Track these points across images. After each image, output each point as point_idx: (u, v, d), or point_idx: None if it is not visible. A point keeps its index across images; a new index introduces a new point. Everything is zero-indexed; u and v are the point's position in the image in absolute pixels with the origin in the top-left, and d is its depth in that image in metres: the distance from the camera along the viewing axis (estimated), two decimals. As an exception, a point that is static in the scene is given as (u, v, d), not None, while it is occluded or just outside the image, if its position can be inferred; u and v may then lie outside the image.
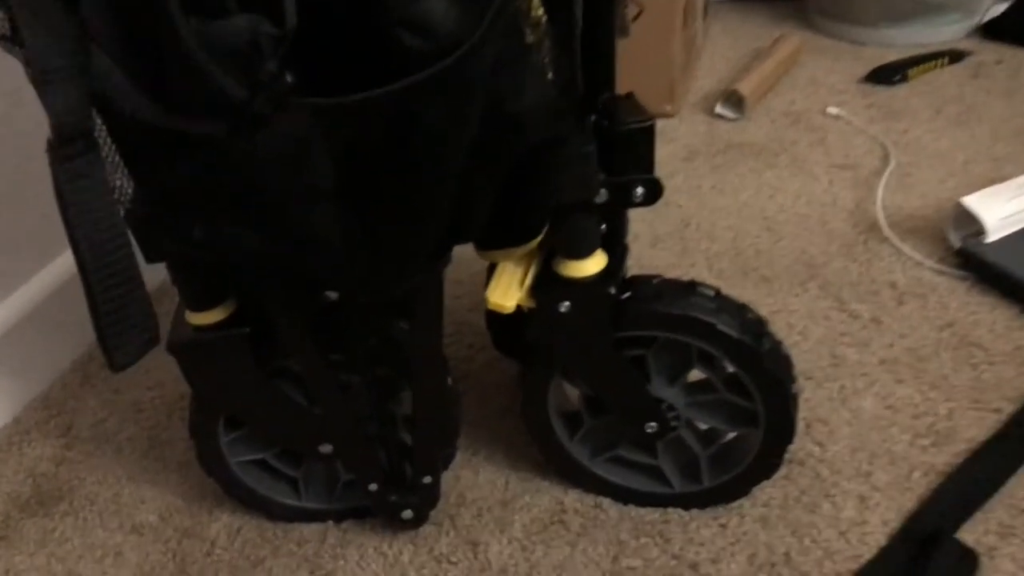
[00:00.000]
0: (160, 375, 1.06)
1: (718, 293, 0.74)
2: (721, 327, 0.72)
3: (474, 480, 0.89)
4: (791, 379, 0.76)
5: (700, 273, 1.12)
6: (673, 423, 0.78)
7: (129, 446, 0.98)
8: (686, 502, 0.84)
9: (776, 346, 0.75)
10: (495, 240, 0.69)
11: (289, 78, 0.48)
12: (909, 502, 0.82)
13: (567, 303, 0.71)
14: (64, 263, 1.10)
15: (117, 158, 0.56)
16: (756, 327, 0.74)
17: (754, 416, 0.77)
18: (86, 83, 0.48)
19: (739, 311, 0.74)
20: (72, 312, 1.10)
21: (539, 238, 0.68)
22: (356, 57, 0.50)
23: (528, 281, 0.73)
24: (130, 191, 0.63)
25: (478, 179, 0.56)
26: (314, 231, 0.57)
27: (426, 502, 0.82)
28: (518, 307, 0.73)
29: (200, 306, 0.72)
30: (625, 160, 0.66)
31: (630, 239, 1.19)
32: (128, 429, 1.00)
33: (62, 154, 0.49)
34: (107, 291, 0.52)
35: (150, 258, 0.64)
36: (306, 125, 0.50)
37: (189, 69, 0.48)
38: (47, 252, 1.09)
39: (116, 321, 0.53)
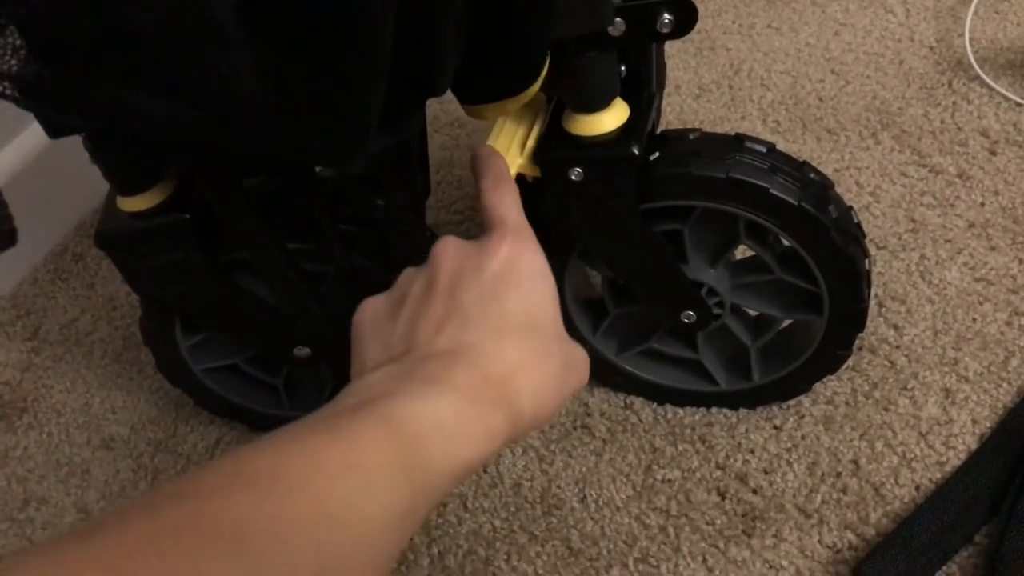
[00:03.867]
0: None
1: (772, 149, 0.59)
2: (775, 192, 0.57)
3: (485, 379, 0.77)
4: (863, 254, 0.61)
5: (753, 127, 0.95)
6: (716, 311, 0.64)
7: (101, 348, 0.88)
8: (734, 401, 0.71)
9: (845, 214, 0.60)
10: (480, 91, 0.54)
11: None
12: (1005, 396, 0.68)
13: (578, 168, 0.57)
14: (31, 139, 0.98)
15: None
16: (819, 191, 0.59)
17: (816, 300, 0.62)
18: None
19: (798, 171, 0.59)
20: (45, 197, 0.99)
21: (535, 86, 0.53)
22: None
23: (531, 142, 0.58)
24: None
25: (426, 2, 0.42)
26: (226, 85, 0.44)
27: (422, 409, 0.70)
28: (521, 176, 0.59)
29: (130, 189, 0.59)
30: None
31: (670, 90, 1.02)
32: (101, 329, 0.89)
33: None
34: None
35: (53, 132, 0.52)
36: None
37: None
38: (9, 129, 0.97)
39: None
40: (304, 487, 0.32)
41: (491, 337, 0.43)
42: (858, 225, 0.61)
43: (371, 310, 0.47)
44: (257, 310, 0.65)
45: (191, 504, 0.30)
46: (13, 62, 0.51)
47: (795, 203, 0.57)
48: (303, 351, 0.68)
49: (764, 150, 0.59)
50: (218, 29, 0.41)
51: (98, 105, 0.47)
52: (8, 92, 0.51)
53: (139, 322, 0.69)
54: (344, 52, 0.44)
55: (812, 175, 0.59)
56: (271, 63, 0.44)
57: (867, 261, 0.61)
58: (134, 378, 0.84)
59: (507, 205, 0.49)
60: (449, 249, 0.47)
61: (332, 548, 0.32)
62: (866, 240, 0.63)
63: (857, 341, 0.72)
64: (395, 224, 0.59)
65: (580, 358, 0.48)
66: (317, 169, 0.61)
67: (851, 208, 0.61)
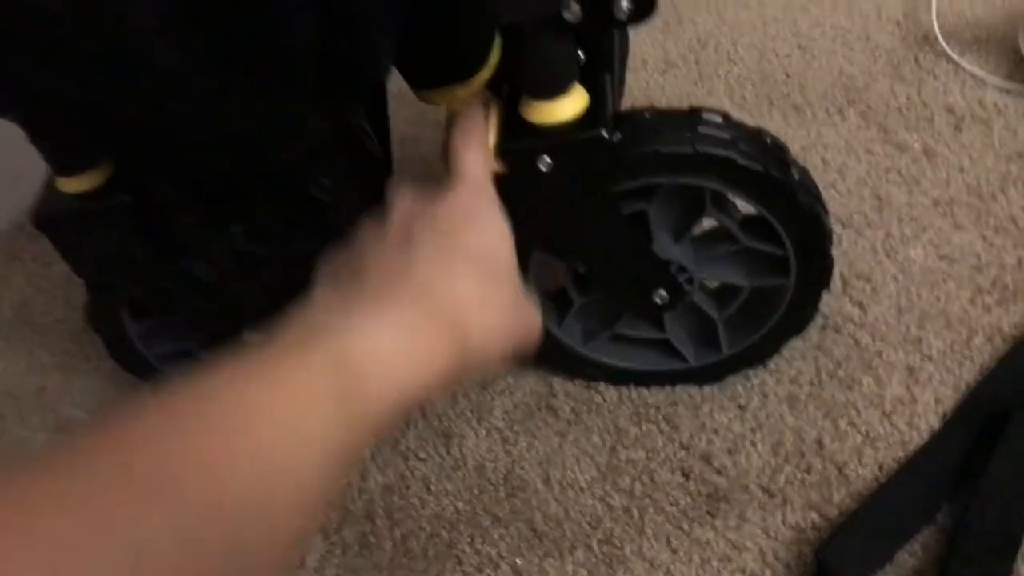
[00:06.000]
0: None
1: (727, 118, 0.58)
2: (742, 161, 0.56)
3: (448, 360, 0.76)
4: (825, 211, 0.61)
5: (719, 102, 0.95)
6: (685, 286, 0.64)
7: (57, 329, 0.86)
8: (705, 375, 0.70)
9: (804, 174, 0.60)
10: (427, 75, 0.53)
11: None
12: (968, 375, 0.68)
13: (547, 157, 0.55)
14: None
15: None
16: (780, 155, 0.59)
17: (783, 263, 0.62)
18: None
19: (757, 138, 0.59)
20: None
21: (485, 73, 0.52)
22: None
23: (492, 136, 0.56)
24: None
25: None
26: (147, 71, 0.42)
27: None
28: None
29: (69, 169, 0.57)
30: None
31: (636, 65, 1.01)
32: (57, 310, 0.87)
33: None
34: None
35: None
36: None
37: None
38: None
39: None
40: (229, 420, 0.31)
41: (441, 271, 0.43)
42: (815, 184, 0.61)
43: (330, 258, 0.47)
44: (202, 294, 0.63)
45: (105, 452, 0.29)
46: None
47: (762, 171, 0.56)
48: (254, 336, 0.66)
49: (721, 120, 0.58)
50: (127, 12, 0.39)
51: (19, 88, 0.46)
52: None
53: (84, 308, 0.67)
54: (270, 41, 0.42)
55: (769, 140, 0.59)
56: (196, 49, 0.42)
57: (828, 218, 0.61)
58: (91, 360, 0.82)
59: (471, 158, 0.50)
60: (405, 194, 0.48)
61: (260, 484, 0.30)
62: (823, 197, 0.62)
63: (821, 320, 0.72)
64: (340, 206, 0.58)
65: (531, 311, 0.48)
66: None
67: (806, 168, 0.61)
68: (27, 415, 0.79)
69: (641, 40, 1.03)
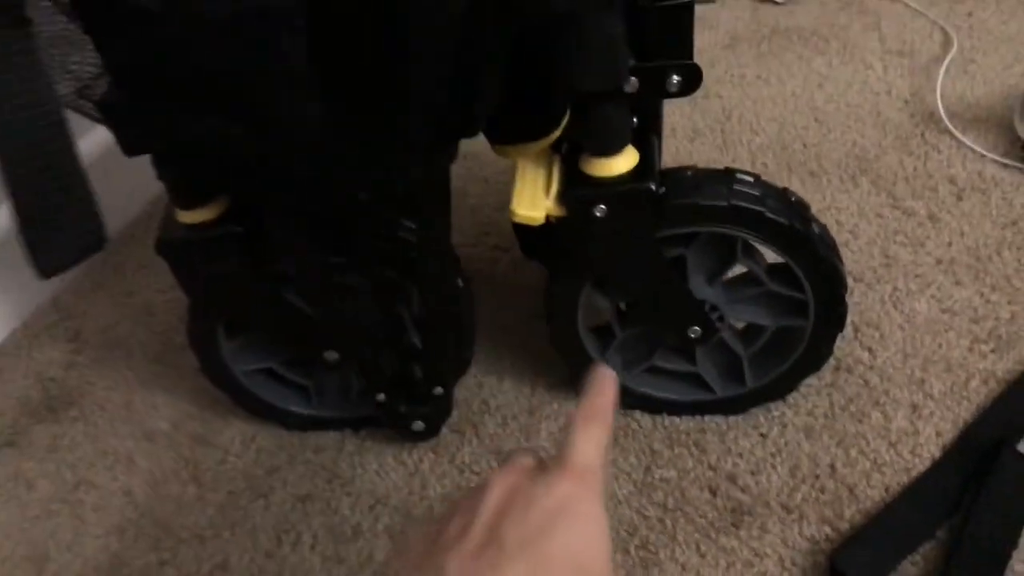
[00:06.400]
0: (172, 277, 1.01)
1: (758, 178, 0.68)
2: (770, 215, 0.66)
3: (498, 387, 0.85)
4: (841, 262, 0.70)
5: (742, 168, 1.04)
6: (717, 324, 0.73)
7: (141, 351, 0.94)
8: (730, 407, 0.79)
9: (824, 229, 0.70)
10: (508, 133, 0.63)
11: None
12: (966, 412, 0.76)
13: (602, 205, 0.64)
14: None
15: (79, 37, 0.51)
16: (802, 211, 0.69)
17: (803, 306, 0.71)
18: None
19: (783, 196, 0.68)
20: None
21: (557, 132, 0.62)
22: None
23: (555, 186, 0.66)
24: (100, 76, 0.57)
25: (477, 55, 0.49)
26: (293, 121, 0.51)
27: (437, 414, 0.78)
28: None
29: (190, 203, 0.66)
30: (659, 43, 0.59)
31: (667, 133, 1.11)
32: (140, 333, 0.96)
33: None
34: (35, 186, 0.46)
35: (129, 151, 0.59)
36: None
37: None
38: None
39: (45, 220, 0.47)
40: None
41: None
42: (833, 239, 0.71)
43: (413, 537, 0.45)
44: (295, 317, 0.72)
45: None
46: (100, 90, 0.59)
47: (786, 223, 0.65)
48: (332, 355, 0.74)
49: (752, 179, 0.67)
50: (296, 76, 0.48)
51: (173, 132, 0.54)
52: (94, 115, 0.59)
53: (186, 327, 0.75)
54: (401, 103, 0.51)
55: (793, 198, 0.68)
56: (337, 112, 0.50)
57: (843, 267, 0.70)
58: (172, 378, 0.90)
59: (587, 444, 0.45)
60: (503, 478, 0.43)
61: None
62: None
63: (835, 362, 0.80)
64: (424, 239, 0.66)
65: None
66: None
67: (825, 225, 0.70)
68: (117, 425, 0.87)
69: (671, 111, 1.13)
